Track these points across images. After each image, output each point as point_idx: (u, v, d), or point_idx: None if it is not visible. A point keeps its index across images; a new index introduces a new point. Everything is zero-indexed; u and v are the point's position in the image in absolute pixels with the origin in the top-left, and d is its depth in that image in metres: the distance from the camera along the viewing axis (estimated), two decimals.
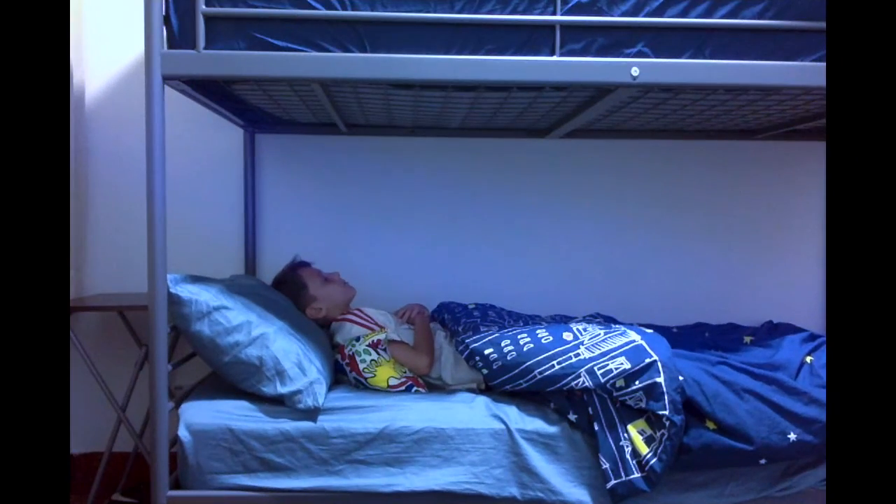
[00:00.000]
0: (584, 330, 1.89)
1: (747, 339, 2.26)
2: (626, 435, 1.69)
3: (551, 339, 1.83)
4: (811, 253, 2.62)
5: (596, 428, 1.71)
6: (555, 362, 1.76)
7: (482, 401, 1.84)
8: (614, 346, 1.78)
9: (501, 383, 1.83)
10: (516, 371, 1.79)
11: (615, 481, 1.66)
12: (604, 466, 1.67)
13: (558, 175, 2.58)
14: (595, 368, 1.72)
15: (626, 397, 1.71)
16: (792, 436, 1.67)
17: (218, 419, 1.72)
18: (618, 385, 1.71)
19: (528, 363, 1.78)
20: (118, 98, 2.44)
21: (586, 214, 2.59)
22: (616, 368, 1.71)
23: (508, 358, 1.81)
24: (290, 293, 2.12)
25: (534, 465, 1.71)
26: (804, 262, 2.62)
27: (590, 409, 1.73)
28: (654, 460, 1.64)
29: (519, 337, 1.87)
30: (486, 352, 1.85)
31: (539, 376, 1.76)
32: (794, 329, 2.39)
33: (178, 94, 1.84)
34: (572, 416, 1.75)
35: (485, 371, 1.85)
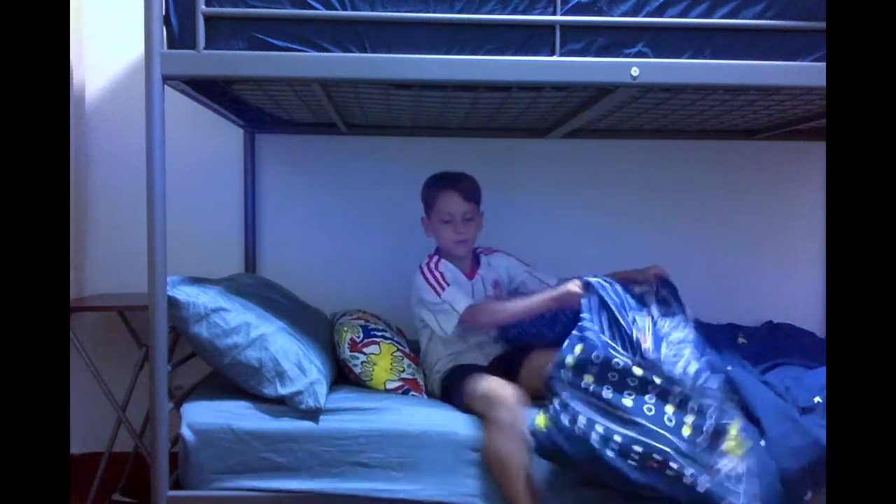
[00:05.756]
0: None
1: (741, 339, 2.26)
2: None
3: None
4: (811, 253, 2.61)
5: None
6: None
7: None
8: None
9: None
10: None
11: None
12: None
13: (558, 175, 2.57)
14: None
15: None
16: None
17: (219, 419, 1.71)
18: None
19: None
20: (118, 98, 2.43)
21: (586, 214, 2.58)
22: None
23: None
24: (424, 194, 2.13)
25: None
26: (804, 262, 2.62)
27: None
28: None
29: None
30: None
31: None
32: (795, 330, 2.39)
33: (178, 94, 1.84)
34: None
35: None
